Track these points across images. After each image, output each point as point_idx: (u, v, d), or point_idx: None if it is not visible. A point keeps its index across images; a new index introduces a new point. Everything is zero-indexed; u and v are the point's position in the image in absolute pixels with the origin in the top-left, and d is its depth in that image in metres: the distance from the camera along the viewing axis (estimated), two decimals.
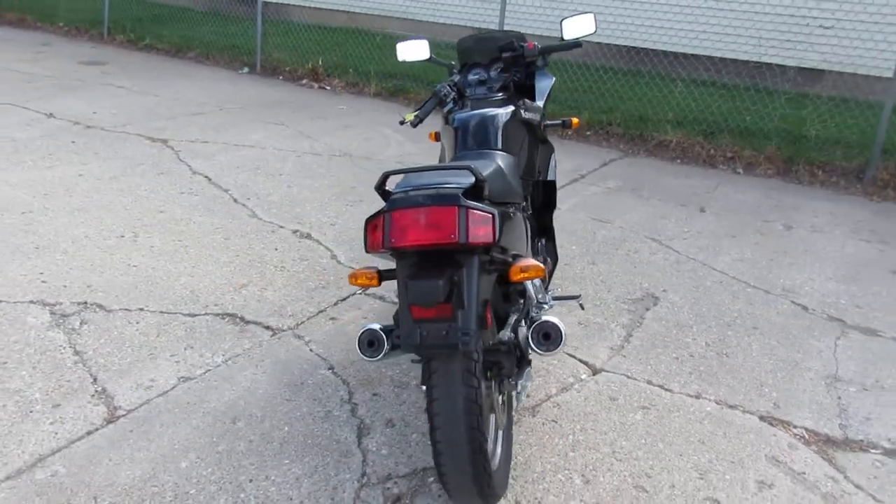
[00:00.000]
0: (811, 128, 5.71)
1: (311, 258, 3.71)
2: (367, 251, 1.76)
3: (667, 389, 2.75)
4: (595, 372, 2.83)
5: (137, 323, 3.00)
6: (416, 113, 2.72)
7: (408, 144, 5.93)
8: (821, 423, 2.60)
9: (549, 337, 1.84)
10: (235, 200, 4.44)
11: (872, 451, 2.47)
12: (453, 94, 2.80)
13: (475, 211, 1.67)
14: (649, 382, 2.78)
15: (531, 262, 1.78)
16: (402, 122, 2.91)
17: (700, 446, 2.43)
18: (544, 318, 1.87)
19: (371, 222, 1.73)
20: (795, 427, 2.57)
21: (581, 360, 2.90)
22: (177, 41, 9.60)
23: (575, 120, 3.08)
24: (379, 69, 7.95)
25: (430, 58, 3.17)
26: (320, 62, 8.19)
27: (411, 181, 1.79)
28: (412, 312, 1.71)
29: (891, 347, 3.14)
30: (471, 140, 2.46)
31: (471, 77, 2.95)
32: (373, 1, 9.96)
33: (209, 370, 2.71)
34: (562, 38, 2.97)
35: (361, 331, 2.02)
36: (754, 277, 3.76)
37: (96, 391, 2.55)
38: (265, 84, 8.08)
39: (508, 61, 2.86)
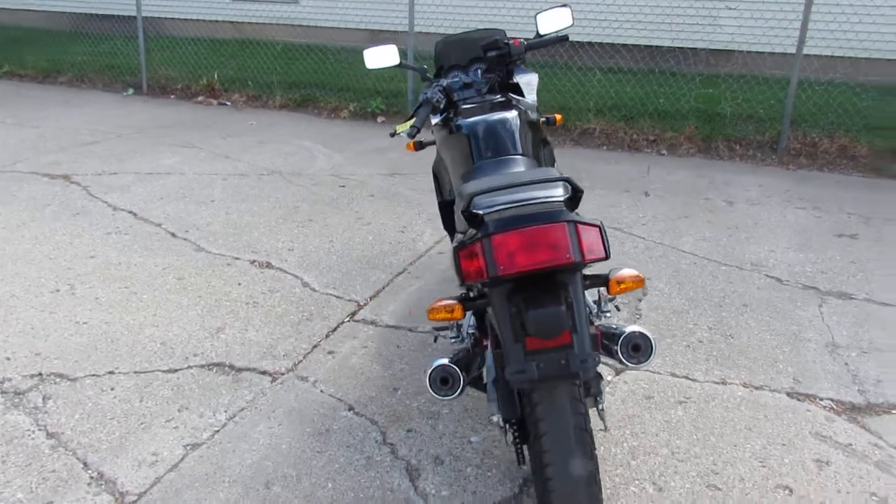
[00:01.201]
0: (725, 106, 5.98)
1: (281, 289, 3.43)
2: (462, 283, 1.58)
3: (692, 380, 2.73)
4: (618, 372, 2.77)
5: (112, 389, 2.64)
6: (410, 123, 2.54)
7: (336, 156, 5.67)
8: (841, 391, 2.67)
9: (640, 348, 1.74)
10: (173, 235, 4.04)
11: (895, 412, 2.57)
12: (444, 99, 2.65)
13: (584, 226, 1.54)
14: (673, 375, 2.76)
15: (627, 273, 1.67)
16: (393, 135, 2.73)
17: (749, 433, 2.42)
18: (629, 329, 1.77)
19: (465, 249, 1.56)
20: (822, 399, 2.62)
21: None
22: (43, 65, 8.73)
23: (558, 116, 3.01)
24: (282, 79, 7.58)
25: (400, 63, 2.98)
26: (216, 77, 7.70)
27: (497, 199, 1.63)
28: (527, 344, 1.55)
29: (868, 308, 3.30)
30: (488, 146, 2.32)
31: (453, 80, 2.80)
32: (261, 10, 9.50)
33: (217, 431, 2.42)
34: (538, 34, 2.87)
35: (431, 368, 1.84)
36: (722, 255, 3.86)
37: (92, 477, 2.20)
38: (157, 105, 7.50)
39: (494, 61, 2.73)
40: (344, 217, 4.36)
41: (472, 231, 1.66)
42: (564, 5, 2.95)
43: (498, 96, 2.64)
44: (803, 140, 5.66)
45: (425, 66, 3.02)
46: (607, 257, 1.56)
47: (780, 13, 5.79)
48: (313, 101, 7.32)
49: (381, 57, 2.98)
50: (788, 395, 2.64)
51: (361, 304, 3.31)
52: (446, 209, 2.78)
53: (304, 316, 3.18)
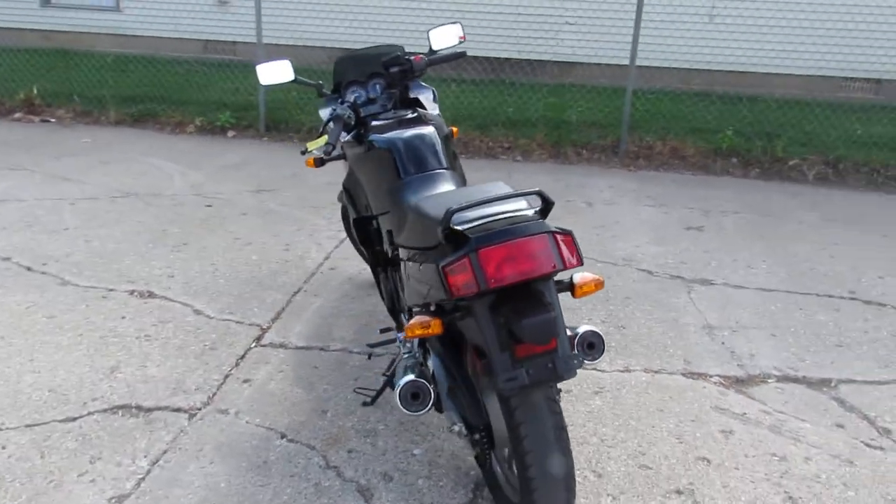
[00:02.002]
0: (571, 114, 6.43)
1: (173, 319, 3.21)
2: (450, 297, 1.60)
3: (601, 370, 2.94)
4: None
5: (3, 448, 2.34)
6: (322, 141, 2.51)
7: (193, 174, 5.37)
8: (725, 367, 3.01)
9: (594, 346, 1.87)
10: (29, 269, 3.64)
11: (770, 381, 2.93)
12: (354, 115, 2.64)
13: (562, 235, 1.63)
14: (584, 368, 2.95)
15: (589, 276, 1.78)
16: (304, 153, 2.67)
17: (661, 414, 2.66)
18: (582, 328, 1.88)
19: (451, 265, 1.58)
20: (711, 376, 2.94)
21: None
22: None
23: (455, 129, 3.11)
24: (115, 93, 7.03)
25: (296, 79, 2.92)
26: (35, 91, 6.97)
27: (472, 214, 1.67)
28: (516, 352, 1.61)
29: (727, 292, 3.73)
30: (413, 162, 2.35)
31: (355, 96, 2.81)
32: (77, 17, 8.71)
33: (142, 479, 2.23)
34: (430, 49, 2.95)
35: (401, 384, 1.86)
36: (597, 253, 4.16)
37: None
38: None
39: (396, 76, 2.76)
40: (220, 238, 4.16)
41: (444, 247, 1.69)
42: (455, 22, 3.05)
43: (409, 112, 2.67)
44: (640, 143, 6.23)
45: (321, 82, 2.98)
46: (581, 264, 1.66)
47: (614, 28, 6.34)
48: (154, 116, 6.86)
49: (275, 73, 2.91)
50: (684, 375, 2.93)
51: (264, 327, 3.19)
52: (361, 225, 2.76)
53: (206, 346, 3.01)
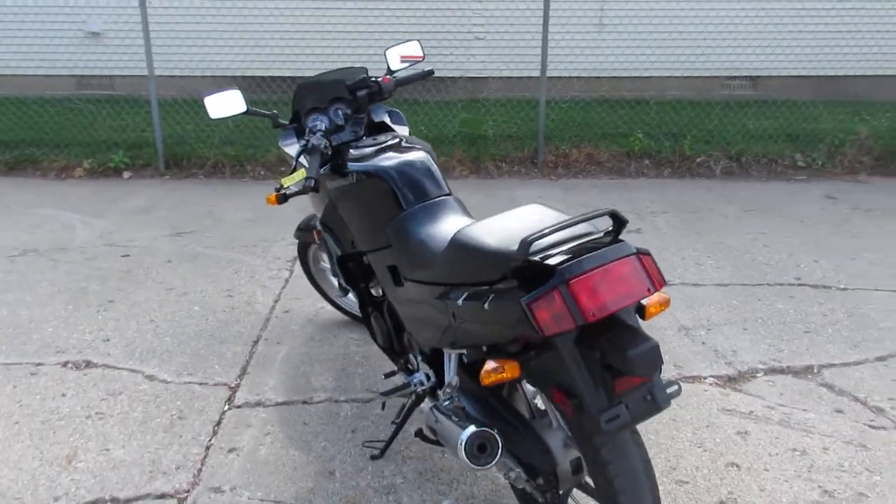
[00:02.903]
0: (487, 128, 6.40)
1: (124, 390, 2.83)
2: (543, 334, 1.44)
3: None
4: None
5: None
6: (300, 175, 2.29)
7: (98, 222, 4.86)
8: (714, 367, 3.02)
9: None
10: None
11: (759, 375, 2.97)
12: (330, 146, 2.43)
13: (645, 256, 1.51)
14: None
15: (657, 297, 1.67)
16: (279, 190, 2.42)
17: (676, 424, 2.62)
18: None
19: (537, 301, 1.42)
20: (706, 378, 2.94)
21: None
22: None
23: None
24: None
25: (248, 110, 2.68)
26: None
27: (544, 242, 1.52)
28: (615, 387, 1.47)
29: (687, 291, 3.78)
30: (416, 190, 2.18)
31: (316, 124, 2.59)
32: None
33: None
34: (388, 69, 2.80)
35: (465, 437, 1.67)
36: None
37: None
38: None
39: (364, 100, 2.58)
40: (150, 291, 3.75)
41: (510, 281, 1.54)
42: (411, 40, 2.91)
43: (388, 137, 2.49)
44: (557, 152, 6.30)
45: (276, 112, 2.75)
46: (664, 284, 1.56)
47: (523, 41, 6.40)
48: (33, 162, 6.19)
49: (225, 105, 2.65)
50: (682, 380, 2.91)
51: (233, 386, 2.88)
52: (346, 263, 2.55)
53: (173, 416, 2.66)
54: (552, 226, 1.51)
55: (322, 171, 2.44)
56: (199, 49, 7.06)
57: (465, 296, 1.67)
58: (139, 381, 2.90)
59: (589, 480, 1.84)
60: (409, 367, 2.41)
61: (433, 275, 1.89)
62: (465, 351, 1.86)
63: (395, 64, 2.85)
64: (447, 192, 2.24)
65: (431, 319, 1.98)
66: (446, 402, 1.94)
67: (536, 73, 6.03)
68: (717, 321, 3.43)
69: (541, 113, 6.13)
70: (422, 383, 2.22)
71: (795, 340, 3.23)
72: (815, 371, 2.98)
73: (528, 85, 6.45)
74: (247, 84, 7.49)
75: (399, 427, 2.40)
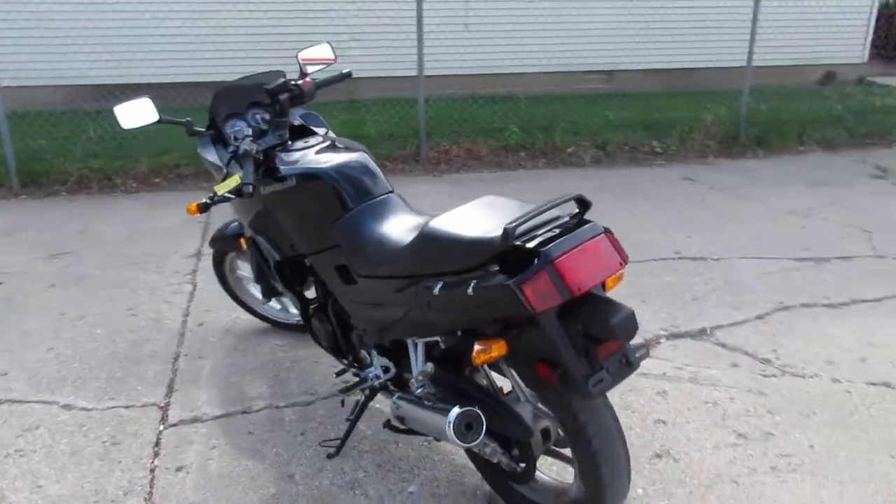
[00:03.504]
0: (369, 128, 6.44)
1: (40, 423, 2.65)
2: (534, 311, 1.54)
3: None
4: None
5: None
6: (234, 181, 2.26)
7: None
8: None
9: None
10: None
11: (663, 340, 3.28)
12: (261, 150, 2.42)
13: (610, 234, 1.66)
14: None
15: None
16: (213, 198, 2.35)
17: None
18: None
19: (527, 281, 1.53)
20: None
21: None
22: None
23: None
24: None
25: (160, 118, 2.61)
26: None
27: (527, 227, 1.63)
28: (598, 354, 1.61)
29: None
30: (361, 190, 2.23)
31: (238, 129, 2.56)
32: None
33: None
34: (301, 73, 2.82)
35: (453, 417, 1.77)
36: None
37: None
38: None
39: (286, 103, 2.59)
40: (41, 318, 3.49)
41: (489, 266, 1.64)
42: (323, 42, 2.94)
43: (318, 139, 2.51)
44: (438, 149, 6.47)
45: (189, 119, 2.68)
46: (628, 259, 1.72)
47: (398, 41, 6.49)
48: None
49: (136, 114, 2.57)
50: None
51: (162, 405, 2.77)
52: (285, 267, 2.53)
53: (104, 443, 2.53)
54: (528, 213, 1.63)
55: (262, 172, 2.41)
56: (39, 55, 6.54)
57: (441, 285, 1.75)
58: (55, 412, 2.71)
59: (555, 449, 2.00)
60: (358, 363, 2.45)
61: (396, 269, 1.95)
62: (438, 339, 1.94)
63: (307, 67, 2.86)
64: (390, 189, 2.30)
65: (393, 313, 2.04)
66: (419, 390, 2.01)
67: (412, 73, 6.16)
68: (619, 296, 3.71)
69: (420, 111, 6.26)
70: (378, 377, 2.27)
71: (686, 307, 3.58)
72: (709, 333, 3.33)
73: (406, 83, 6.56)
74: (99, 93, 7.06)
75: (354, 423, 2.43)
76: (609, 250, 1.63)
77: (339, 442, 2.45)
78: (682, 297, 3.71)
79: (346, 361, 2.50)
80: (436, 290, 1.76)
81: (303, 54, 2.87)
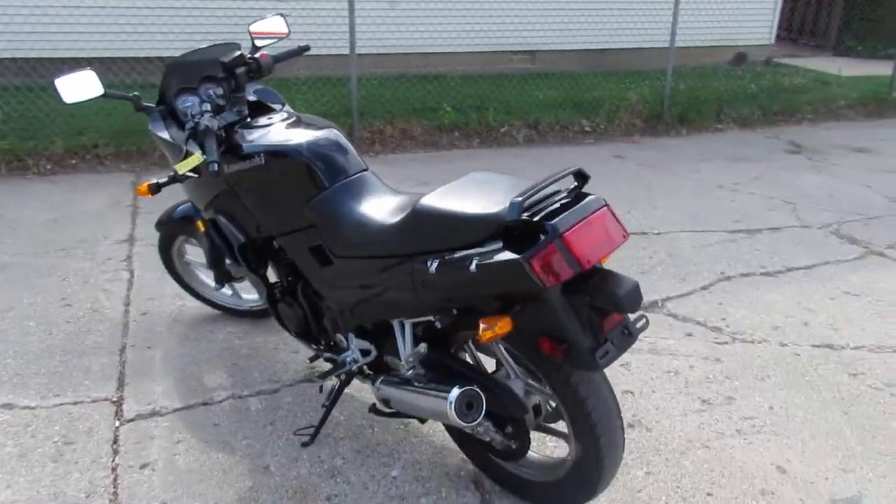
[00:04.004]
0: (299, 107, 6.23)
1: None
2: (545, 286, 1.52)
3: None
4: None
5: None
6: (196, 159, 2.14)
7: None
8: None
9: None
10: None
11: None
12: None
13: (610, 207, 1.66)
14: None
15: None
16: (174, 176, 2.21)
17: None
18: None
19: (536, 255, 1.50)
20: None
21: None
22: None
23: None
24: None
25: (105, 92, 2.44)
26: None
27: (532, 200, 1.59)
28: (604, 326, 1.61)
29: None
30: (336, 167, 2.14)
31: (201, 104, 2.41)
32: None
33: None
34: (254, 47, 2.69)
35: (453, 397, 1.74)
36: None
37: None
38: None
39: (243, 78, 2.47)
40: None
41: (489, 243, 1.61)
42: (277, 14, 2.81)
43: (283, 115, 2.40)
44: (371, 129, 6.35)
45: (137, 94, 2.51)
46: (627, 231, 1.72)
47: (329, 18, 6.29)
48: None
49: (79, 87, 2.40)
50: None
51: (115, 399, 2.60)
52: (251, 249, 2.42)
53: (56, 443, 2.35)
54: (534, 187, 1.61)
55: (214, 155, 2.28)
56: None
57: (438, 263, 1.70)
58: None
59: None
60: (331, 347, 2.37)
61: (383, 248, 1.89)
62: (432, 318, 1.89)
63: (259, 40, 2.73)
64: (364, 166, 2.23)
65: (378, 293, 1.98)
66: (409, 371, 1.96)
67: (346, 51, 6.01)
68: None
69: (353, 90, 6.12)
70: (355, 361, 2.21)
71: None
72: (660, 305, 3.43)
73: (338, 62, 6.39)
74: (7, 68, 6.55)
75: (329, 409, 2.36)
76: (613, 222, 1.63)
77: (313, 429, 2.38)
78: (630, 270, 3.80)
79: (316, 346, 2.42)
80: (432, 269, 1.71)
81: (254, 27, 2.73)
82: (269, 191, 2.22)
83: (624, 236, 1.64)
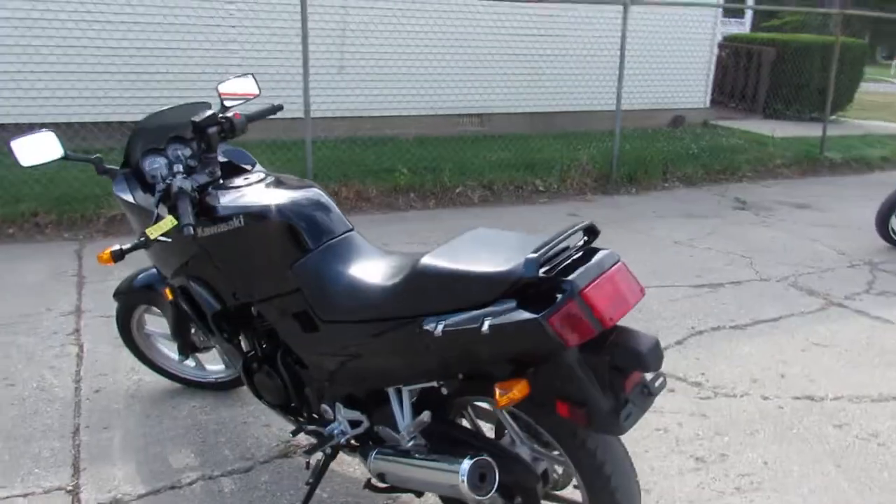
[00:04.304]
0: None
1: None
2: (568, 346, 1.44)
3: None
4: None
5: None
6: (166, 224, 2.02)
7: None
8: None
9: None
10: None
11: None
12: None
13: (624, 262, 1.60)
14: None
15: None
16: (146, 241, 2.08)
17: None
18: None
19: (555, 314, 1.43)
20: None
21: None
22: None
23: None
24: None
25: (66, 155, 2.32)
26: None
27: (546, 257, 1.52)
28: (625, 387, 1.53)
29: None
30: (317, 229, 2.05)
31: (158, 166, 2.31)
32: None
33: None
34: (223, 107, 2.62)
35: (466, 469, 1.64)
36: None
37: None
38: None
39: (215, 138, 2.37)
40: None
41: (500, 302, 1.53)
42: (246, 74, 2.75)
43: (260, 174, 2.31)
44: (326, 190, 6.20)
45: (99, 156, 2.39)
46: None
47: (283, 82, 6.24)
48: None
49: (37, 150, 2.29)
50: None
51: (70, 488, 2.36)
52: (221, 316, 2.27)
53: None
54: (548, 243, 1.55)
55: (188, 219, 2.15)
56: None
57: (444, 324, 1.61)
58: None
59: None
60: (313, 419, 2.22)
61: (379, 311, 1.79)
62: (435, 384, 1.78)
63: (228, 101, 2.66)
64: (350, 227, 2.14)
65: (371, 360, 1.87)
66: (410, 442, 1.83)
67: (300, 114, 5.96)
68: None
69: (308, 152, 6.06)
70: (343, 433, 2.07)
71: None
72: None
73: (291, 125, 6.33)
74: None
75: (314, 486, 2.19)
76: (630, 277, 1.58)
77: None
78: None
79: (294, 419, 2.26)
80: (438, 331, 1.62)
81: (223, 87, 2.66)
82: (249, 254, 2.10)
83: (641, 292, 1.59)
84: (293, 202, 2.06)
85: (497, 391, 1.55)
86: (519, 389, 1.55)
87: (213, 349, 2.74)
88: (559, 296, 1.46)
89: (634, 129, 9.14)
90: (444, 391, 1.77)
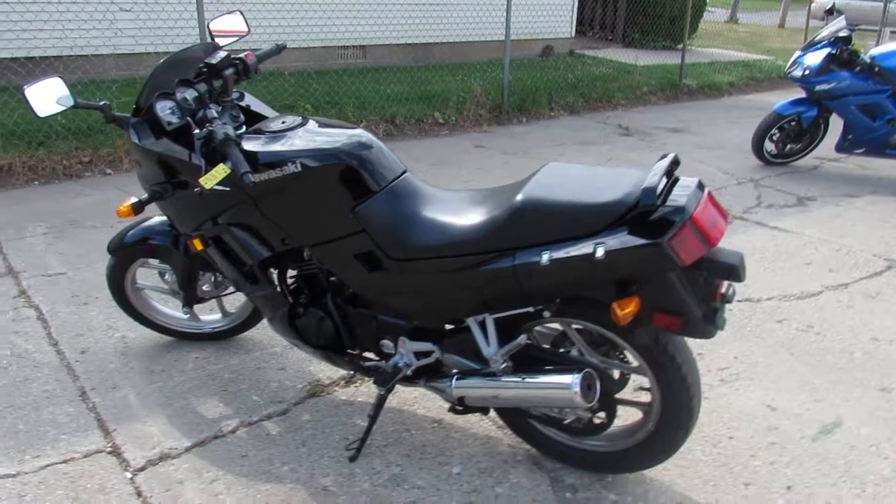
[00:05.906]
0: None
1: None
2: (685, 265, 1.65)
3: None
4: None
5: None
6: (220, 171, 1.99)
7: None
8: None
9: None
10: None
11: None
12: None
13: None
14: None
15: None
16: (200, 192, 2.06)
17: None
18: None
19: (675, 238, 1.62)
20: None
21: None
22: None
23: None
24: None
25: (76, 103, 2.20)
26: None
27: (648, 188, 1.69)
28: (717, 294, 1.77)
29: None
30: (379, 170, 2.09)
31: (168, 111, 2.22)
32: None
33: None
34: (216, 46, 2.55)
35: (576, 382, 1.84)
36: None
37: None
38: None
39: (231, 80, 2.32)
40: None
41: (611, 230, 1.71)
42: (234, 11, 2.65)
43: (297, 119, 2.27)
44: None
45: (107, 102, 2.26)
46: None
47: (176, 13, 5.74)
48: None
49: (50, 98, 2.14)
50: None
51: (110, 449, 2.29)
52: (267, 265, 2.27)
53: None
54: (656, 173, 1.73)
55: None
56: None
57: (550, 254, 1.76)
58: None
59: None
60: (365, 356, 2.31)
61: (465, 247, 1.89)
62: (530, 309, 1.93)
63: (221, 38, 2.57)
64: (405, 168, 2.20)
65: (451, 293, 1.98)
66: (503, 366, 1.99)
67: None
68: None
69: None
70: (408, 364, 2.18)
71: None
72: None
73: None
74: None
75: (374, 419, 2.29)
76: (717, 205, 1.81)
77: (358, 443, 2.30)
78: None
79: (347, 358, 2.33)
80: (544, 260, 1.77)
81: (214, 25, 2.58)
82: (306, 199, 2.09)
83: (725, 216, 1.83)
84: (351, 145, 2.08)
85: (617, 310, 1.74)
86: (635, 305, 1.75)
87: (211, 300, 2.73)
88: (675, 220, 1.67)
89: (511, 59, 9.43)
90: (547, 314, 1.93)
